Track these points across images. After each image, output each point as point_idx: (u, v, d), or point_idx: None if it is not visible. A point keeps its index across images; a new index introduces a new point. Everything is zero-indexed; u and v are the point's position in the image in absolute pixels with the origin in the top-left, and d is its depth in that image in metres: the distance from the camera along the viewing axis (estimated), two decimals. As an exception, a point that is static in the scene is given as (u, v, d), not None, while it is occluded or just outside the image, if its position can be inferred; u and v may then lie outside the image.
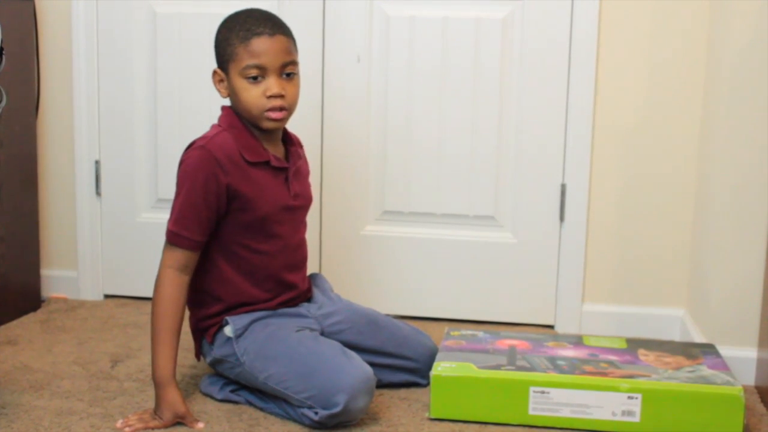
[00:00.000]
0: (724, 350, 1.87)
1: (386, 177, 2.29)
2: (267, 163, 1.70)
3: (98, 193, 2.42)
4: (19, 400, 1.72)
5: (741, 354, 1.88)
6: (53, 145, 2.42)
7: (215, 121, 2.32)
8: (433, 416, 1.66)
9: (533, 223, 2.24)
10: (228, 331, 1.69)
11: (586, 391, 1.61)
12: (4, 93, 1.88)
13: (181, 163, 1.70)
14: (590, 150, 2.19)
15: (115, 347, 2.05)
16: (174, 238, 1.65)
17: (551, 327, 2.26)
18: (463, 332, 1.89)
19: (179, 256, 1.65)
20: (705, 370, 1.67)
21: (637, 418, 1.60)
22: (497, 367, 1.67)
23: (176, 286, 1.65)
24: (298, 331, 1.68)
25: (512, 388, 1.63)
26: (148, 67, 2.36)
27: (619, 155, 2.19)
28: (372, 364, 1.66)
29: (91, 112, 2.38)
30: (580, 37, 2.16)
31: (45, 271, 2.43)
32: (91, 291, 2.45)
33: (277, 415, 1.67)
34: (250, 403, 1.71)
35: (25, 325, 2.21)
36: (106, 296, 2.46)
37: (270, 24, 1.70)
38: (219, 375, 1.77)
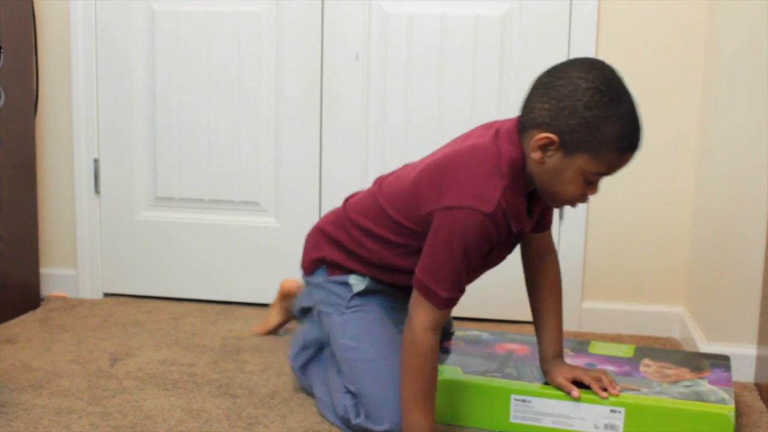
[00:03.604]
0: (723, 348, 1.87)
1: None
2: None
3: (97, 191, 2.43)
4: (18, 399, 1.72)
5: (740, 351, 1.88)
6: (52, 144, 2.42)
7: (214, 119, 2.35)
8: None
9: (532, 221, 2.24)
10: (356, 284, 1.65)
11: (568, 402, 1.57)
12: (2, 92, 1.89)
13: (453, 212, 1.43)
14: (589, 147, 2.19)
15: (115, 346, 2.05)
16: (449, 304, 1.47)
17: (550, 325, 2.26)
18: (468, 333, 1.88)
19: (443, 316, 1.49)
20: (703, 386, 1.60)
21: None
22: (483, 373, 1.65)
23: (436, 348, 1.49)
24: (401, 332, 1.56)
25: (493, 395, 1.61)
26: (146, 65, 2.36)
27: (618, 153, 2.19)
28: None
29: (90, 111, 2.38)
30: (579, 34, 2.16)
31: (44, 270, 2.43)
32: (90, 289, 2.45)
33: (321, 405, 1.66)
34: (310, 385, 1.71)
35: (24, 323, 2.21)
36: (106, 294, 2.46)
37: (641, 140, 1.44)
38: (305, 331, 1.77)
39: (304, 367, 1.75)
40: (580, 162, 1.39)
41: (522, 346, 1.80)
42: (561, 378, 1.58)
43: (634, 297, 2.23)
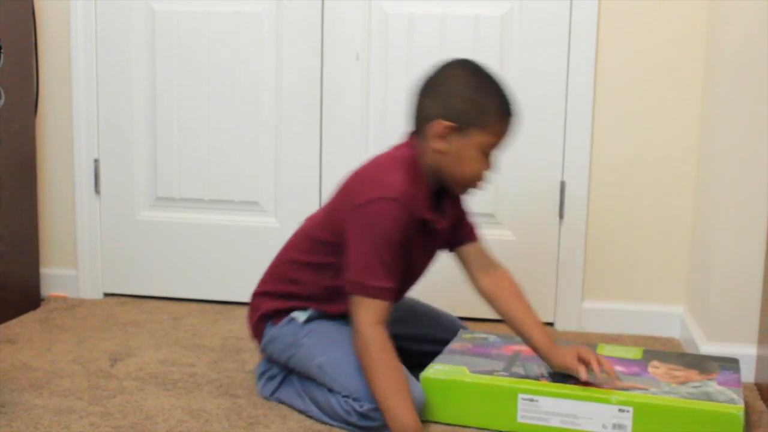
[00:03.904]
0: (724, 347, 1.87)
1: (385, 175, 2.29)
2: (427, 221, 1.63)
3: (97, 191, 2.43)
4: (18, 399, 1.71)
5: (740, 351, 1.87)
6: (52, 144, 2.42)
7: (214, 119, 2.35)
8: (422, 418, 1.63)
9: (532, 221, 2.24)
10: (299, 315, 1.69)
11: (576, 401, 1.56)
12: (2, 92, 1.89)
13: (364, 207, 1.55)
14: (590, 147, 2.19)
15: (115, 346, 2.05)
16: (385, 294, 1.55)
17: (551, 324, 2.26)
18: (476, 335, 1.87)
19: (383, 309, 1.56)
20: (712, 386, 1.60)
21: None
22: (490, 373, 1.64)
23: (388, 340, 1.55)
24: None
25: (501, 395, 1.60)
26: (146, 65, 2.36)
27: (619, 153, 2.19)
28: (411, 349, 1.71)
29: (90, 111, 2.38)
30: (579, 34, 2.16)
31: (44, 270, 2.43)
32: (90, 289, 2.45)
33: (313, 415, 1.65)
34: (289, 405, 1.70)
35: (24, 323, 2.21)
36: (106, 294, 2.46)
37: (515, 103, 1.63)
38: (266, 365, 1.77)
39: (275, 393, 1.75)
40: (476, 138, 1.58)
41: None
42: (568, 358, 1.60)
43: (634, 297, 2.23)
